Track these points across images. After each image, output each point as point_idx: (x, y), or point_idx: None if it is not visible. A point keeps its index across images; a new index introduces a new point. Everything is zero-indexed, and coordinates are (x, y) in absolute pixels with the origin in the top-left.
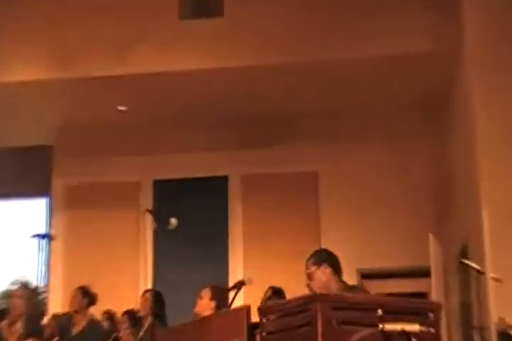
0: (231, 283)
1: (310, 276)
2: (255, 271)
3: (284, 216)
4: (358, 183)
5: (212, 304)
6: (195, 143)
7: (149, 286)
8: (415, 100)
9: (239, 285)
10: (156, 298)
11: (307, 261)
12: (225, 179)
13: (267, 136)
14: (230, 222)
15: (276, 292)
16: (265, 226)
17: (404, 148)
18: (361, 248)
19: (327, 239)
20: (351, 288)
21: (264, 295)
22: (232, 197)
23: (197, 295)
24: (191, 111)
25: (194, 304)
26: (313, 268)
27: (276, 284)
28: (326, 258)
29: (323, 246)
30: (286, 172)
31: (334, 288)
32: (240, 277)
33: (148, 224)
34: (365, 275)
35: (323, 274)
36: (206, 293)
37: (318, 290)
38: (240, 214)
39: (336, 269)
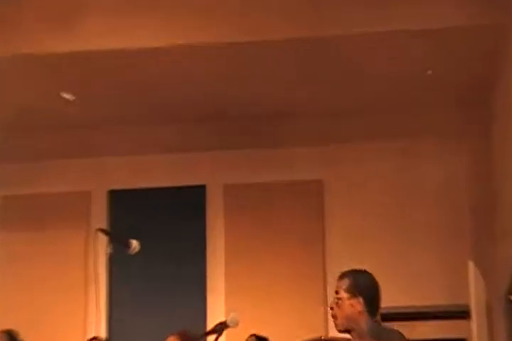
0: (210, 325)
1: (338, 302)
2: (241, 308)
3: (279, 237)
4: (373, 195)
5: None
6: (164, 143)
7: (101, 330)
8: (449, 89)
9: (220, 328)
10: None
11: (340, 279)
12: (202, 189)
13: (257, 135)
14: (209, 245)
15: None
16: (254, 250)
17: (435, 151)
18: (380, 280)
19: (334, 266)
20: (383, 330)
21: None
22: (211, 212)
23: None
24: (158, 102)
25: None
26: (344, 295)
27: (268, 324)
28: (364, 290)
29: (329, 276)
30: (281, 180)
31: (363, 326)
32: (221, 317)
33: (101, 247)
34: (387, 317)
35: (352, 307)
36: None
37: (341, 322)
38: (221, 235)
39: (372, 306)
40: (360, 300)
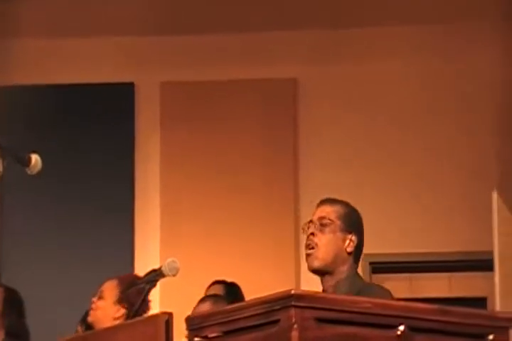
0: (138, 273)
1: (326, 227)
2: (181, 252)
3: (237, 149)
4: (365, 98)
5: (121, 310)
6: (81, 22)
7: None
8: None
9: (153, 277)
10: (9, 300)
11: (330, 204)
12: (129, 87)
13: (213, 15)
14: (138, 164)
15: (230, 289)
16: (201, 172)
17: (456, 38)
18: (371, 216)
19: (308, 194)
20: (364, 285)
21: (206, 294)
22: (141, 118)
23: (88, 294)
24: None
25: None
26: (337, 222)
27: (219, 273)
28: (357, 226)
29: (303, 202)
30: (242, 78)
31: (344, 272)
32: (154, 263)
33: None
34: (379, 269)
35: (343, 243)
36: (110, 290)
37: (323, 256)
38: (155, 149)
39: (359, 251)
40: (353, 237)
